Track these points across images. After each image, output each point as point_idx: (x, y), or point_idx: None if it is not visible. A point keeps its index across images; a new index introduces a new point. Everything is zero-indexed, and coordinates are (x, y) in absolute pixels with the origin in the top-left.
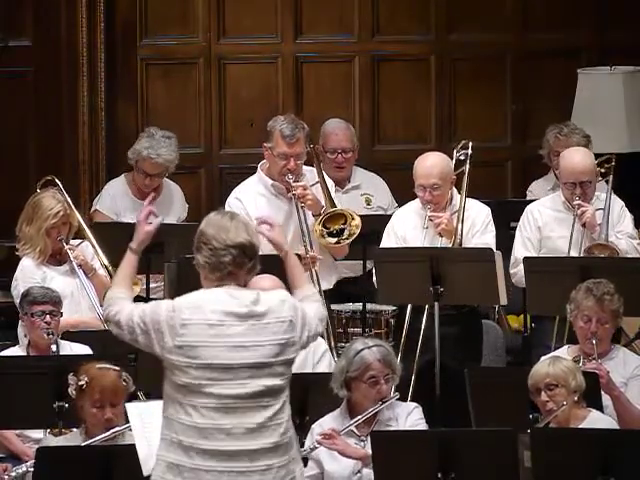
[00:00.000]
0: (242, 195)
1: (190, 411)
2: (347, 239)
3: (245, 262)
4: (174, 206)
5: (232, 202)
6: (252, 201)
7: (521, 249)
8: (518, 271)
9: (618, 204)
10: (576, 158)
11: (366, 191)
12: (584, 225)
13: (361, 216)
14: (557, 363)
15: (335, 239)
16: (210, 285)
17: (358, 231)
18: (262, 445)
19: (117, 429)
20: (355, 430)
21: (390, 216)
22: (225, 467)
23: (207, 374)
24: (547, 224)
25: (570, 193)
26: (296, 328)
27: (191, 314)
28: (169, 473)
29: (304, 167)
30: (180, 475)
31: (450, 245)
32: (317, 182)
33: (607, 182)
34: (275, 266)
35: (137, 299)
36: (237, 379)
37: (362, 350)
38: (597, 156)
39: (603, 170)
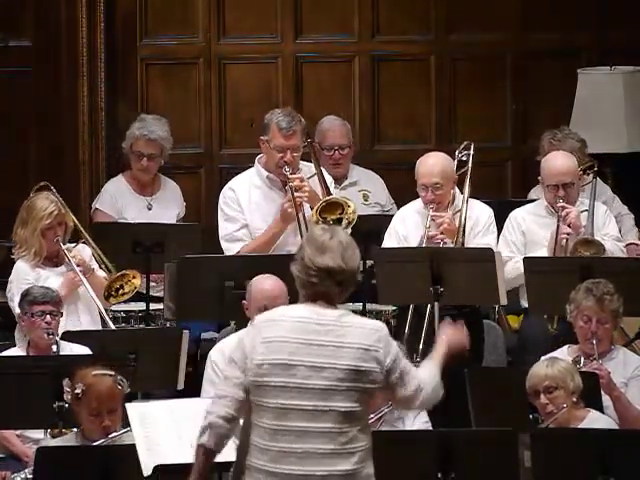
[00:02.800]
0: (236, 186)
1: (263, 433)
2: (345, 228)
3: (333, 285)
4: (172, 203)
5: (226, 192)
6: (246, 192)
7: (507, 253)
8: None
9: (602, 208)
10: (558, 160)
11: (364, 187)
12: (569, 226)
13: (362, 216)
14: (555, 364)
15: None
16: (302, 299)
17: (356, 217)
18: (331, 472)
19: (115, 434)
20: None
21: (390, 216)
22: None
23: (284, 394)
24: (531, 229)
25: (553, 196)
26: (376, 361)
27: (270, 332)
28: None
29: (302, 162)
30: None
31: (452, 245)
32: (314, 174)
33: (593, 184)
34: (277, 266)
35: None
36: (313, 400)
37: None
38: (594, 156)
39: (587, 176)
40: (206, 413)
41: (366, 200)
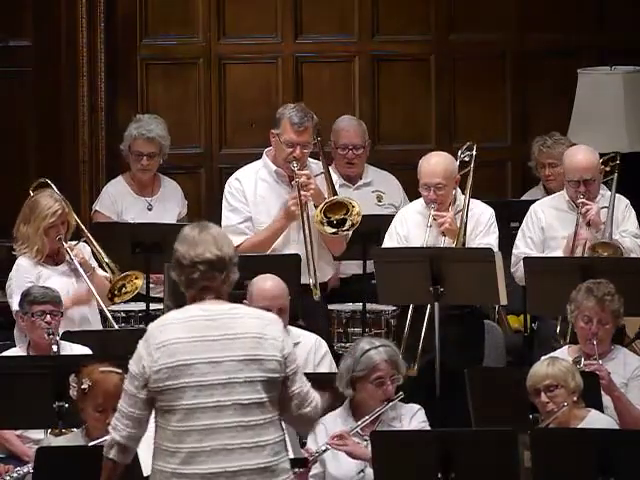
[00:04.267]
0: (243, 177)
1: (170, 436)
2: (349, 229)
3: (216, 275)
4: (173, 203)
5: (232, 182)
6: (252, 184)
7: (523, 248)
8: (519, 267)
9: (623, 202)
10: (579, 156)
11: (378, 188)
12: (588, 223)
13: (362, 216)
14: (556, 364)
15: (334, 229)
16: (190, 301)
17: (360, 219)
18: (242, 467)
19: None
20: (359, 429)
21: (390, 216)
22: None
23: (186, 394)
24: (551, 224)
25: (574, 191)
26: (275, 349)
27: (163, 336)
28: None
29: (310, 159)
30: None
31: (453, 245)
32: (321, 173)
33: (612, 180)
34: (278, 266)
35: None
36: (215, 396)
37: (369, 350)
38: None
39: (608, 168)
40: (111, 427)
41: (380, 201)
